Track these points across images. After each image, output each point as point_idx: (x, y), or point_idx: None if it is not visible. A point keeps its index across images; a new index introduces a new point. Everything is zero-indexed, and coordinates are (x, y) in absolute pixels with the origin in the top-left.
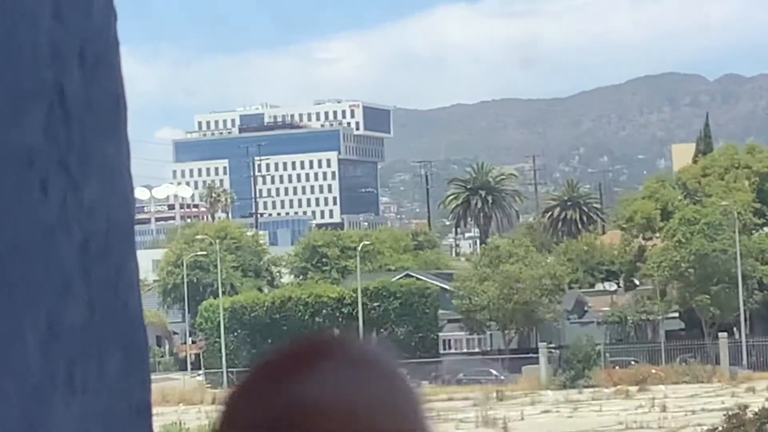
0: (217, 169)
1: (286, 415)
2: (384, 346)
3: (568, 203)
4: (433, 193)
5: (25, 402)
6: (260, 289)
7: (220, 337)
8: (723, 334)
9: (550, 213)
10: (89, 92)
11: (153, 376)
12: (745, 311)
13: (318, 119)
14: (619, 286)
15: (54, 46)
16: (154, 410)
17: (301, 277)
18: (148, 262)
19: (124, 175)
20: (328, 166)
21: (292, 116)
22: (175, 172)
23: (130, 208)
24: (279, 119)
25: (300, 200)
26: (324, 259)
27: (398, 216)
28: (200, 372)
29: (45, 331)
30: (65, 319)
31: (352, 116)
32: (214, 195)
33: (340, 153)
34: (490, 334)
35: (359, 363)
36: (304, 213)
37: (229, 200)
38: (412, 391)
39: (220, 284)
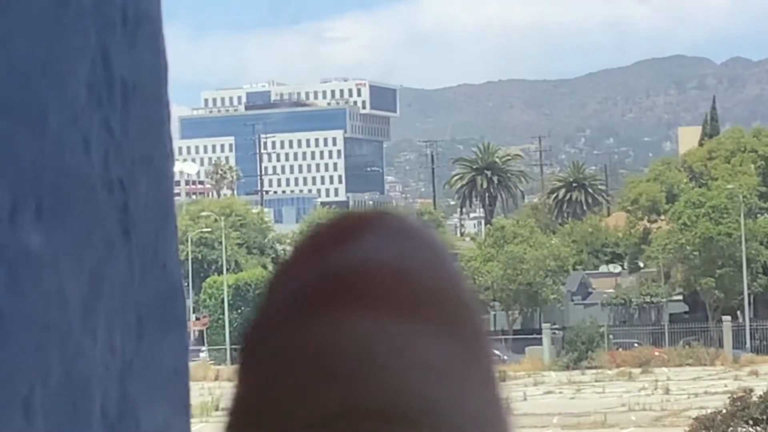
0: (222, 146)
1: (332, 280)
2: (426, 223)
3: (574, 185)
4: (439, 172)
5: (66, 361)
6: (265, 267)
7: (224, 314)
8: (726, 318)
9: (555, 194)
10: (132, 52)
11: None
12: (749, 295)
13: (324, 98)
14: (623, 268)
15: (98, 3)
16: None
17: None
18: None
19: (165, 135)
20: (334, 144)
21: (299, 94)
22: (180, 148)
23: (170, 169)
24: (285, 97)
25: (305, 178)
26: None
27: (403, 195)
28: (203, 349)
29: (87, 290)
30: (106, 279)
31: (359, 95)
32: (219, 172)
33: (346, 131)
34: (494, 315)
35: (403, 232)
36: (309, 191)
37: (234, 177)
38: (453, 259)
39: (224, 261)
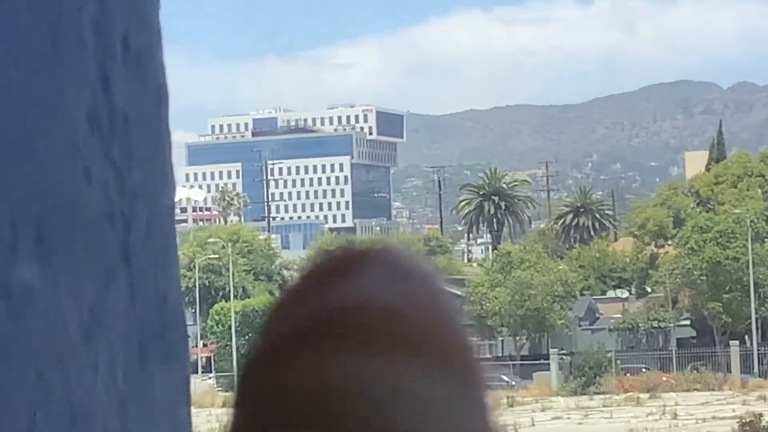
0: (230, 172)
1: (328, 318)
2: (423, 258)
3: (581, 210)
4: (446, 198)
5: (67, 389)
6: (272, 293)
7: (231, 341)
8: (734, 342)
9: (562, 219)
10: (132, 81)
11: None
12: (756, 319)
13: (331, 124)
14: (630, 293)
15: (98, 33)
16: None
17: None
18: None
19: (166, 165)
20: (341, 170)
21: (306, 120)
22: (188, 175)
23: (171, 198)
24: (292, 123)
25: (312, 204)
26: None
27: (410, 221)
28: (211, 375)
29: (87, 319)
30: (107, 308)
31: (365, 121)
32: (227, 198)
33: (352, 157)
34: (502, 340)
35: (399, 268)
36: (317, 217)
37: (241, 204)
38: (449, 296)
39: (231, 287)
